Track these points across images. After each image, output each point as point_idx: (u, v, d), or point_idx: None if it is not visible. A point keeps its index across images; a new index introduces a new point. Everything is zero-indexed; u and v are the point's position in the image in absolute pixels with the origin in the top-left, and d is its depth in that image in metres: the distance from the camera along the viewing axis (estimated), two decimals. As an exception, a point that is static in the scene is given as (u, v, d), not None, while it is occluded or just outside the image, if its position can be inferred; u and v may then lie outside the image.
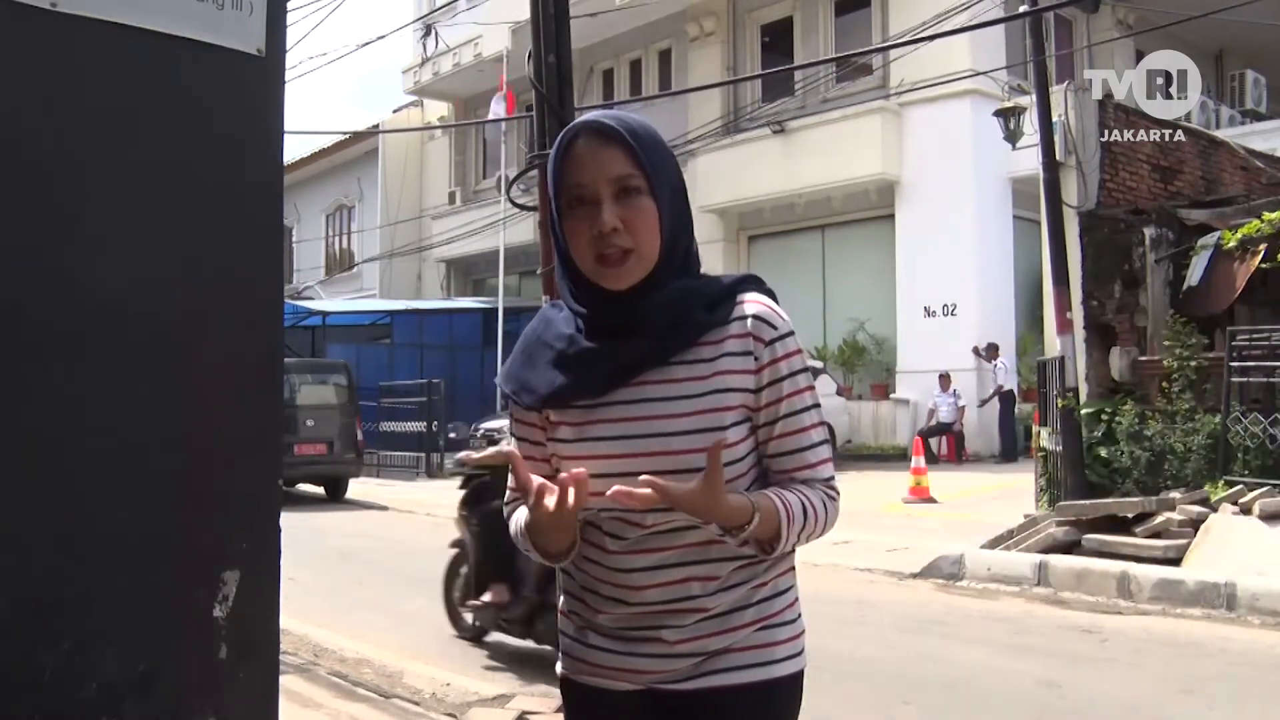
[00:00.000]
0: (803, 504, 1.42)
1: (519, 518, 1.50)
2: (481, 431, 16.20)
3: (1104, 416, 8.79)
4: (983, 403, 14.87)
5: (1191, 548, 6.88)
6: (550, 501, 1.34)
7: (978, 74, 14.27)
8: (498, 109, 18.59)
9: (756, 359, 1.44)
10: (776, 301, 1.50)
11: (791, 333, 1.47)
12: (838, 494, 1.48)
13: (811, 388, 1.49)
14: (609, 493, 1.32)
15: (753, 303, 1.46)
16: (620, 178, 1.41)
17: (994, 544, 7.78)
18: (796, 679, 1.49)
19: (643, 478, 1.30)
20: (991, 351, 14.69)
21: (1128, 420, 8.58)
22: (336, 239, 28.27)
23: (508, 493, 1.57)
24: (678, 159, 1.59)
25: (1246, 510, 6.99)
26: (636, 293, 1.43)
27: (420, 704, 4.55)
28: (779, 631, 1.48)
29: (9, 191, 1.49)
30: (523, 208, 5.27)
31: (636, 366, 1.43)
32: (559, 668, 1.58)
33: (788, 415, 1.45)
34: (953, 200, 15.30)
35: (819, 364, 15.12)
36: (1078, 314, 9.17)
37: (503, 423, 15.89)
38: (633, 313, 1.43)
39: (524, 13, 5.10)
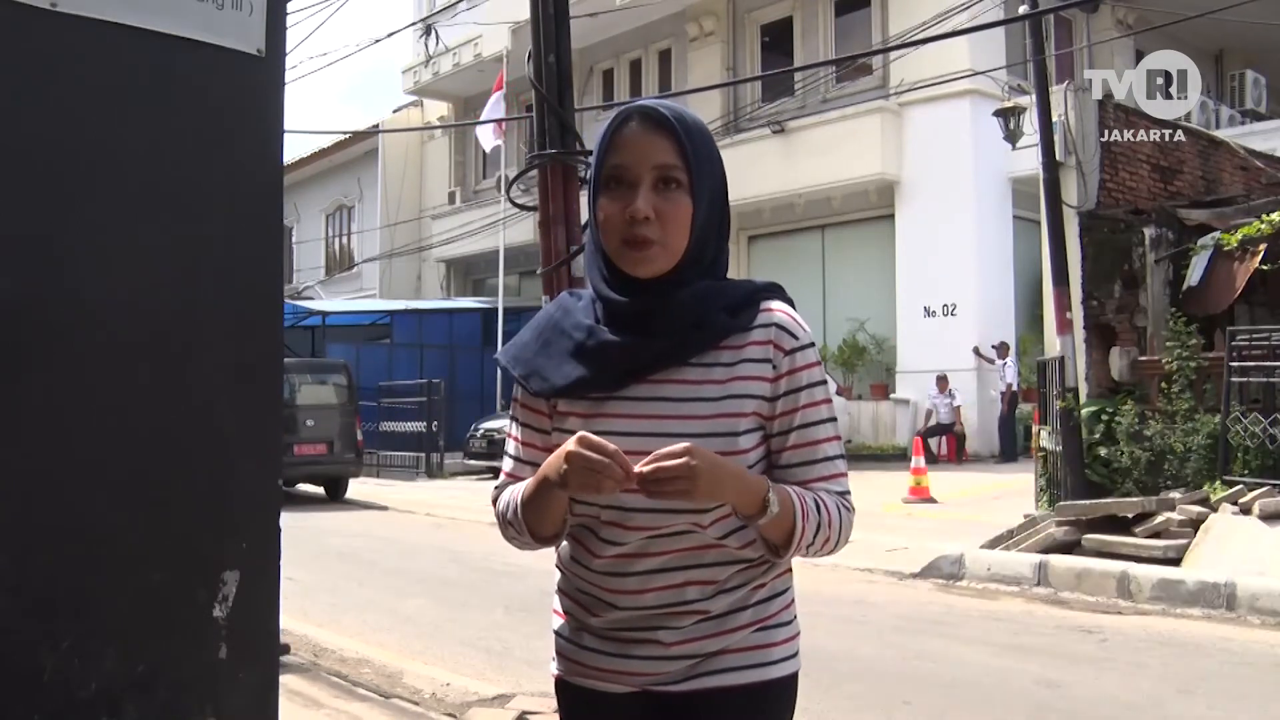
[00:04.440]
0: (817, 503, 1.41)
1: (515, 494, 1.47)
2: (481, 431, 16.24)
3: (1104, 416, 8.79)
4: (1004, 401, 14.73)
5: (1191, 548, 6.88)
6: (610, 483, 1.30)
7: (977, 74, 14.26)
8: (496, 109, 18.59)
9: (775, 367, 1.43)
10: (796, 312, 1.49)
11: (812, 344, 1.47)
12: (853, 508, 1.46)
13: (828, 401, 1.48)
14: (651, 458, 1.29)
15: (777, 311, 1.46)
16: (663, 167, 1.41)
17: (994, 544, 7.78)
18: (791, 680, 1.49)
19: (677, 448, 1.29)
20: (1002, 350, 14.68)
21: (1128, 420, 8.58)
22: (336, 239, 28.26)
23: (501, 476, 1.55)
24: None
25: (1246, 510, 6.99)
26: (660, 287, 1.42)
27: (420, 704, 4.55)
28: (775, 633, 1.48)
29: (9, 191, 1.49)
30: (523, 208, 5.27)
31: (654, 363, 1.42)
32: (553, 668, 1.57)
33: (802, 426, 1.44)
34: (953, 200, 15.30)
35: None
36: (1078, 314, 9.17)
37: (502, 423, 15.92)
38: (655, 308, 1.42)
39: (524, 13, 5.10)
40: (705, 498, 1.32)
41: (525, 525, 1.45)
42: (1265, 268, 8.38)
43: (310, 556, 8.05)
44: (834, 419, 1.48)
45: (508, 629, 6.07)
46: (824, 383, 1.48)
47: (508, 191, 14.15)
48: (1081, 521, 7.50)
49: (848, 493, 1.47)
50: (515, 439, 1.54)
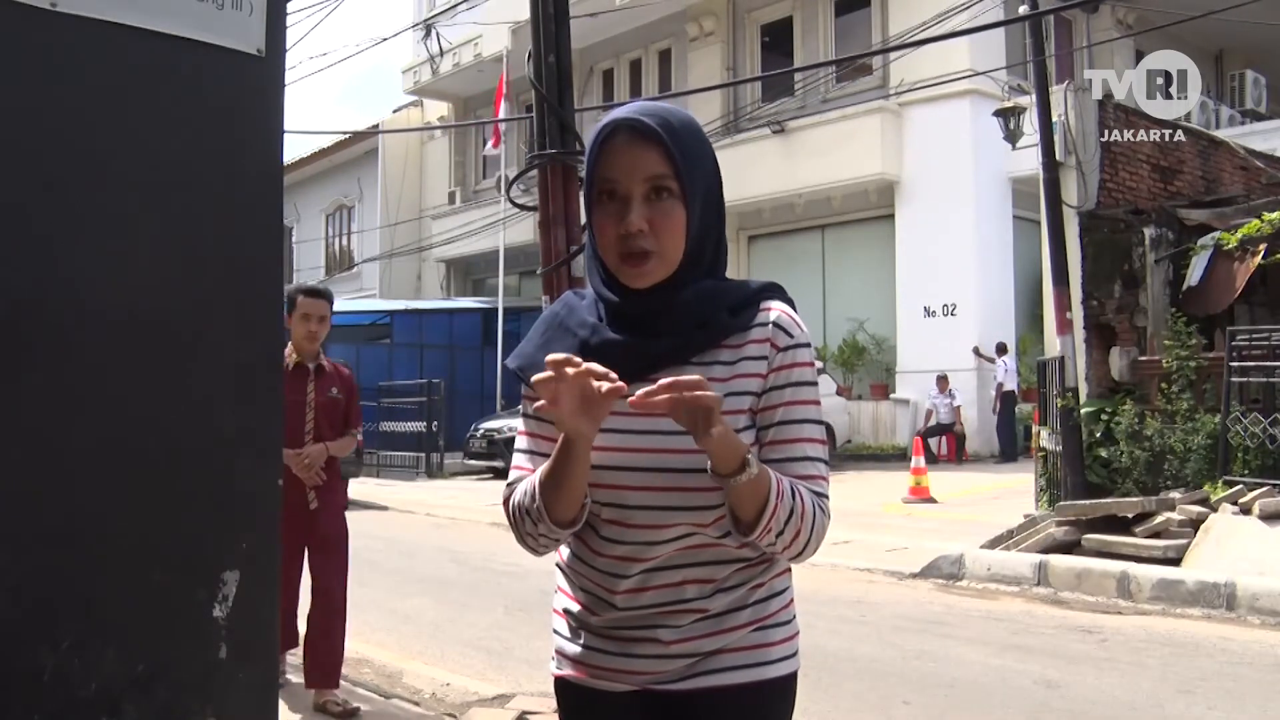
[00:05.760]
0: (793, 490, 1.38)
1: (530, 482, 1.43)
2: (481, 431, 16.23)
3: (1104, 416, 8.79)
4: (996, 399, 14.79)
5: (1191, 548, 6.88)
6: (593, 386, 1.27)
7: (977, 74, 14.27)
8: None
9: (769, 363, 1.44)
10: (796, 312, 1.49)
11: (807, 344, 1.47)
12: (828, 514, 1.44)
13: (816, 403, 1.47)
14: (630, 400, 1.26)
15: (776, 310, 1.46)
16: (653, 178, 1.41)
17: (994, 544, 7.78)
18: (790, 680, 1.49)
19: (659, 384, 1.26)
20: (1001, 350, 14.69)
21: (1127, 420, 8.58)
22: (336, 239, 28.26)
23: (511, 472, 1.52)
24: None
25: (1246, 510, 6.99)
26: (661, 289, 1.43)
27: (420, 704, 4.55)
28: (774, 633, 1.48)
29: (9, 191, 1.49)
30: (523, 208, 5.27)
31: (657, 362, 1.42)
32: (553, 667, 1.57)
33: (784, 423, 1.44)
34: (953, 200, 15.30)
35: (819, 364, 15.14)
36: (1078, 314, 9.17)
37: (502, 423, 15.92)
38: (658, 308, 1.43)
39: (524, 13, 5.09)
40: (713, 425, 1.28)
41: (545, 508, 1.40)
42: (1264, 264, 8.38)
43: (310, 556, 8.04)
44: (820, 422, 1.47)
45: (508, 629, 6.07)
46: (814, 384, 1.48)
47: (508, 191, 14.16)
48: (1081, 521, 7.50)
49: (825, 496, 1.44)
50: (526, 433, 1.53)
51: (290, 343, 4.36)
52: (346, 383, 4.57)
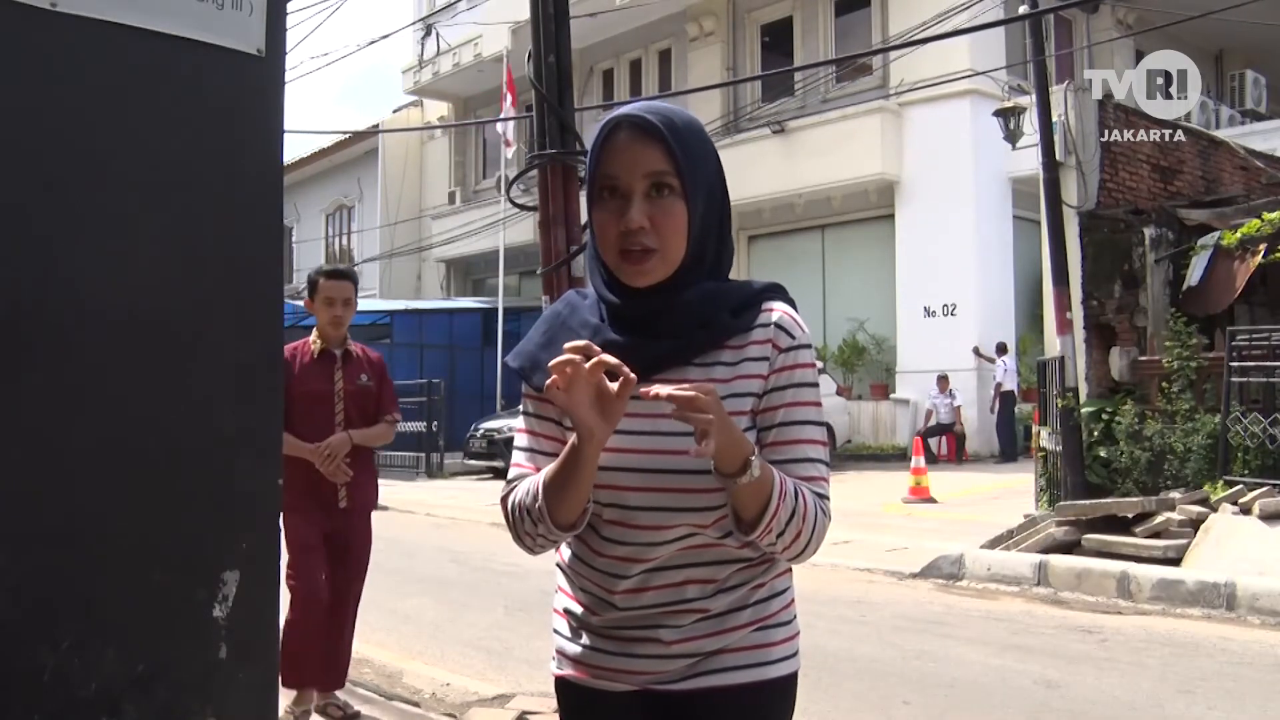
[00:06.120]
0: (796, 490, 1.38)
1: (535, 480, 1.42)
2: (481, 431, 16.24)
3: (1104, 416, 8.80)
4: (994, 398, 14.83)
5: (1191, 548, 6.89)
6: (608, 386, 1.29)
7: (977, 74, 14.28)
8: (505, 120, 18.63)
9: (771, 364, 1.44)
10: (798, 313, 1.49)
11: (809, 345, 1.47)
12: (829, 515, 1.43)
13: (817, 404, 1.47)
14: (650, 392, 1.27)
15: (778, 311, 1.46)
16: (654, 174, 1.40)
17: (994, 544, 7.78)
18: (791, 680, 1.49)
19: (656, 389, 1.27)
20: (1001, 350, 14.70)
21: (1127, 420, 8.58)
22: (336, 239, 28.27)
23: (511, 470, 1.51)
24: None
25: (1246, 510, 6.99)
26: (663, 290, 1.42)
27: (420, 704, 4.55)
28: (775, 633, 1.48)
29: (8, 191, 1.49)
30: (523, 208, 5.27)
31: (658, 364, 1.42)
32: (553, 667, 1.57)
33: (785, 423, 1.44)
34: (953, 200, 15.31)
35: (819, 364, 15.15)
36: (1078, 314, 9.17)
37: (502, 423, 15.93)
38: (659, 308, 1.43)
39: (524, 13, 5.10)
40: (719, 429, 1.27)
41: (547, 510, 1.39)
42: (1264, 262, 8.39)
43: (310, 556, 8.03)
44: (821, 423, 1.47)
45: (508, 629, 6.07)
46: (815, 385, 1.47)
47: (508, 191, 14.15)
48: (1081, 521, 7.51)
49: (827, 498, 1.44)
50: (526, 432, 1.52)
51: (315, 329, 4.28)
52: (377, 368, 4.31)
